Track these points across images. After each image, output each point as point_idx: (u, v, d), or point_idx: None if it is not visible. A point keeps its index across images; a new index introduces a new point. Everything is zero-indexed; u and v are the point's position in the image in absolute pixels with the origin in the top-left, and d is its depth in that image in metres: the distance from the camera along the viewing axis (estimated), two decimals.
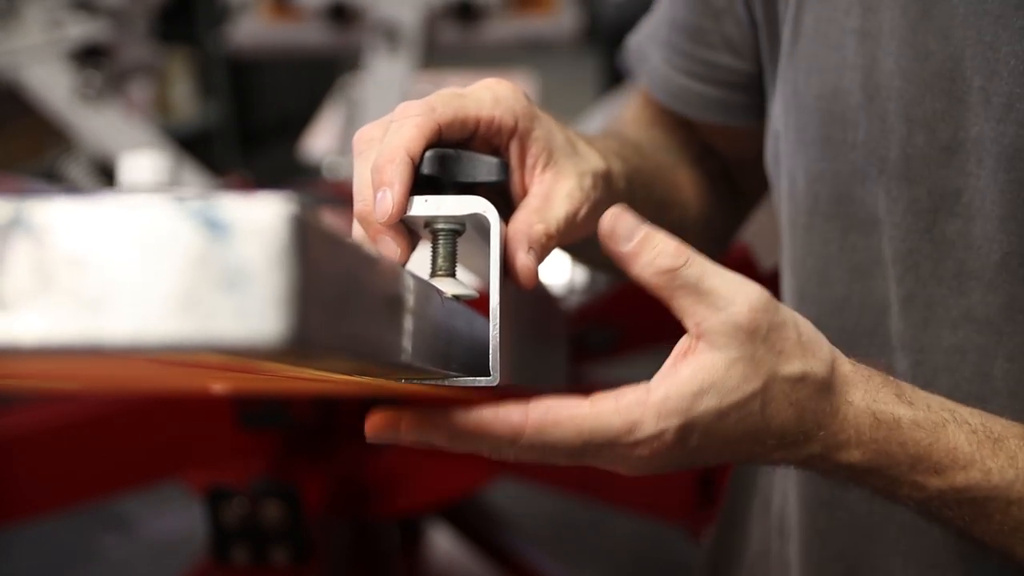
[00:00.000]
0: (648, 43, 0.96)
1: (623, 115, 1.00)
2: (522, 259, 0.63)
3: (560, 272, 1.71)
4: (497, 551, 2.17)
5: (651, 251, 0.58)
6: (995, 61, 0.69)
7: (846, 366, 0.62)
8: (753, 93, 0.90)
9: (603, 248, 0.60)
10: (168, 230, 0.32)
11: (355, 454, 1.86)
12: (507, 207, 0.67)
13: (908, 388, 0.64)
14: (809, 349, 0.60)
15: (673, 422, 0.56)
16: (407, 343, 0.47)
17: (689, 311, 0.57)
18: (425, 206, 0.60)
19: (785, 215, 0.84)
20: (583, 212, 0.68)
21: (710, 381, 0.57)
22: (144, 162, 1.88)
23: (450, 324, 0.56)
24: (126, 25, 2.57)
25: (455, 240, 0.61)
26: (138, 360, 0.37)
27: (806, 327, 0.61)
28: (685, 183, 0.92)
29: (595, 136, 0.79)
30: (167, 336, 0.31)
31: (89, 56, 2.47)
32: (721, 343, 0.57)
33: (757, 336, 0.57)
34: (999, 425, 0.65)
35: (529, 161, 0.67)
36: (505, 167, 0.65)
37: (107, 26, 2.50)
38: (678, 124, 0.97)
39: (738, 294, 0.57)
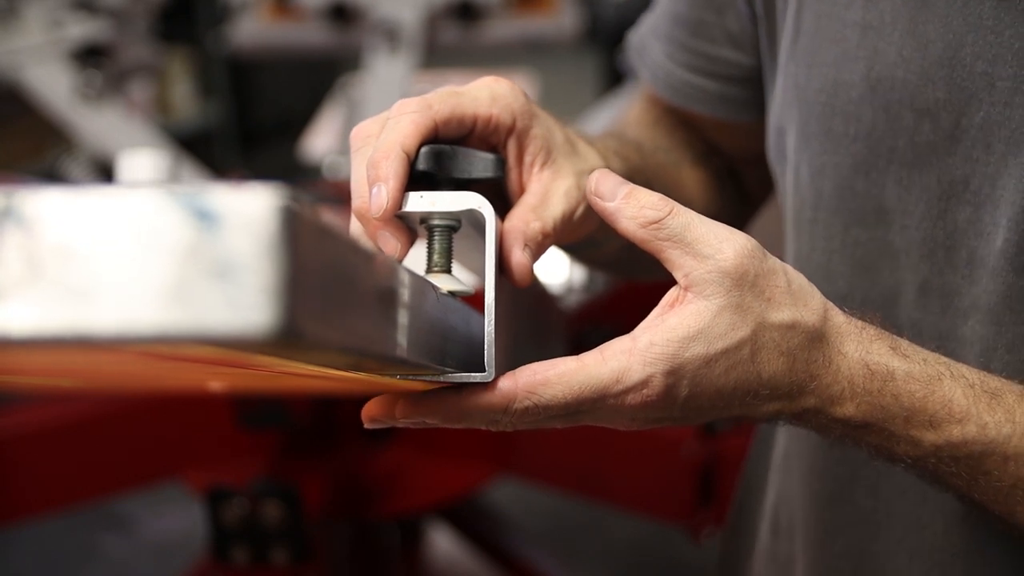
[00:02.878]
0: (649, 38, 0.96)
1: (626, 116, 1.00)
2: (518, 256, 0.63)
3: (558, 271, 1.71)
4: (497, 551, 2.17)
5: (635, 205, 0.59)
6: (998, 45, 0.69)
7: (839, 317, 0.62)
8: (754, 88, 0.90)
9: (591, 205, 0.60)
10: (158, 220, 0.32)
11: (355, 454, 1.86)
12: (504, 205, 0.67)
13: (904, 342, 0.64)
14: (800, 297, 0.60)
15: (659, 367, 0.57)
16: (401, 337, 0.47)
17: (677, 262, 0.58)
18: (421, 202, 0.60)
19: (790, 210, 0.84)
20: (580, 211, 0.68)
21: (697, 328, 0.57)
22: (143, 161, 1.88)
23: (445, 320, 0.56)
24: (126, 25, 2.57)
25: (451, 236, 0.61)
26: (129, 353, 0.37)
27: (796, 276, 0.61)
28: (688, 182, 0.92)
29: (595, 136, 0.79)
30: (156, 327, 0.31)
31: (89, 56, 2.47)
32: (708, 291, 0.57)
33: (744, 283, 0.57)
34: (997, 381, 0.65)
35: (527, 159, 0.67)
36: (502, 163, 0.65)
37: (107, 26, 2.50)
38: (681, 124, 0.96)
39: (724, 242, 0.58)
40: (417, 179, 0.61)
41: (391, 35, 2.56)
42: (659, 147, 0.91)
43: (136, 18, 2.63)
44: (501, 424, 0.58)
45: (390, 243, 0.61)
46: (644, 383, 0.57)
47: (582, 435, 1.79)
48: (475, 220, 0.61)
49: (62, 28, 2.48)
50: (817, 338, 0.60)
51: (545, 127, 0.68)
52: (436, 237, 0.61)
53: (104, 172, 2.45)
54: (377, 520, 1.94)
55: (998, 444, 0.63)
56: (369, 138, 0.64)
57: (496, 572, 2.18)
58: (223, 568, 1.65)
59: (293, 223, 0.32)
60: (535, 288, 0.81)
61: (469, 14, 2.71)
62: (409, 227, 0.62)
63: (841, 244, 0.79)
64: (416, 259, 0.61)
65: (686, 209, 0.59)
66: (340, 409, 1.85)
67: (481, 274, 0.68)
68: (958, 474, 0.64)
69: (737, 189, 0.99)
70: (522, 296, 0.69)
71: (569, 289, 1.66)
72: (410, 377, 0.55)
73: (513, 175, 0.67)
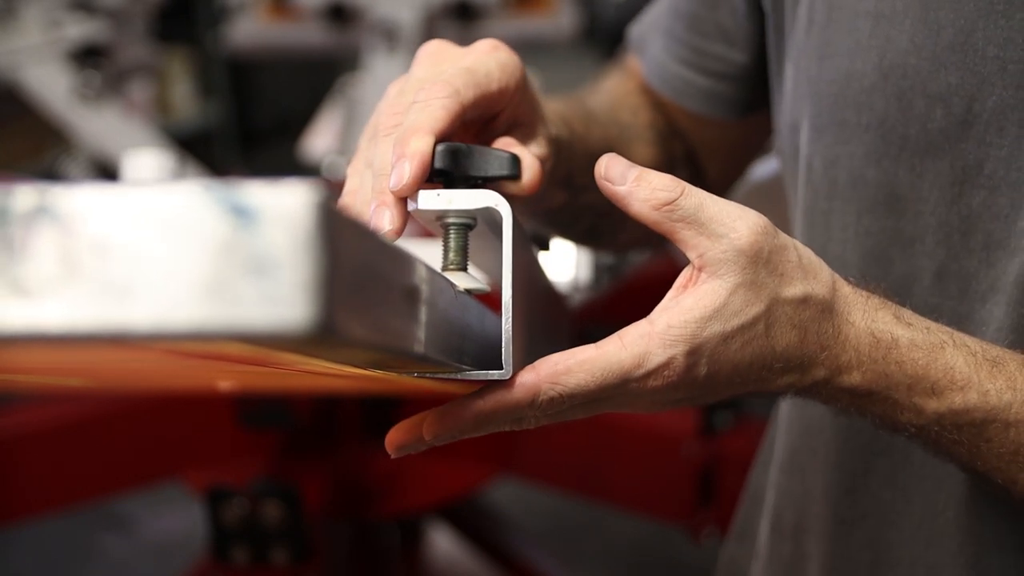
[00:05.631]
0: (649, 31, 0.97)
1: (602, 83, 1.01)
2: (528, 156, 0.65)
3: (564, 270, 1.71)
4: (497, 551, 2.17)
5: (647, 187, 0.59)
6: (1009, 29, 0.69)
7: (846, 288, 0.63)
8: (741, 87, 0.91)
9: (601, 190, 0.61)
10: (194, 216, 0.32)
11: (355, 454, 1.86)
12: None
13: (907, 311, 0.65)
14: (810, 271, 0.61)
15: (680, 348, 0.57)
16: (424, 335, 0.47)
17: (691, 243, 0.58)
18: (437, 200, 0.59)
19: (803, 203, 0.84)
20: (548, 165, 0.70)
21: (713, 307, 0.57)
22: (147, 161, 1.88)
23: (462, 317, 0.56)
24: (125, 25, 2.57)
25: (466, 234, 0.61)
26: (158, 350, 0.37)
27: (805, 251, 0.62)
28: (638, 160, 0.92)
29: (545, 96, 0.79)
30: (193, 323, 0.31)
31: (88, 56, 2.47)
32: (723, 270, 0.58)
33: (759, 260, 0.58)
34: (998, 350, 0.66)
35: (519, 113, 0.69)
36: (517, 162, 0.65)
37: (106, 26, 2.50)
38: (650, 104, 0.97)
39: (738, 220, 0.58)
40: (432, 177, 0.61)
41: (390, 35, 2.56)
42: (615, 121, 0.92)
43: (134, 18, 2.63)
44: (526, 421, 0.58)
45: (393, 218, 0.60)
46: (665, 365, 0.57)
47: (582, 435, 1.79)
48: (490, 218, 0.61)
49: (60, 28, 2.48)
50: (827, 310, 0.61)
51: (531, 90, 0.70)
52: (452, 235, 0.61)
53: (103, 172, 2.45)
54: (377, 520, 1.94)
55: (999, 411, 0.64)
56: (399, 117, 0.64)
57: (496, 572, 2.18)
58: (223, 568, 1.65)
59: (330, 219, 0.32)
60: (546, 286, 0.81)
61: (467, 14, 2.72)
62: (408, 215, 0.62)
63: (855, 233, 0.79)
64: (431, 256, 0.61)
65: (697, 189, 0.59)
66: (340, 409, 1.85)
67: (491, 272, 0.68)
68: (961, 442, 0.65)
69: (693, 176, 1.00)
70: (534, 293, 0.69)
71: (575, 288, 1.66)
72: (427, 375, 0.55)
73: (498, 127, 0.69)
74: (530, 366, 0.57)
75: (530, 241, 0.73)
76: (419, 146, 0.60)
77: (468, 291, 0.59)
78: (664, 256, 1.86)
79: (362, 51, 2.64)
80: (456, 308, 0.54)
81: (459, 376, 0.56)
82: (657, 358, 0.57)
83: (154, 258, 0.32)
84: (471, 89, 0.64)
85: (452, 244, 0.61)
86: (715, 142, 0.97)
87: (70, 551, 2.73)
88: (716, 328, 0.57)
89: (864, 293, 0.64)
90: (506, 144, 0.67)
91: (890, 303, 0.65)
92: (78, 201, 0.32)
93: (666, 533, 2.32)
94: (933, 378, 0.63)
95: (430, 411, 0.58)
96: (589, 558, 2.75)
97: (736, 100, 0.92)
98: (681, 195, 0.58)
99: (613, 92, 0.98)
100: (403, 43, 2.56)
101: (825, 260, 0.77)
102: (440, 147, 0.61)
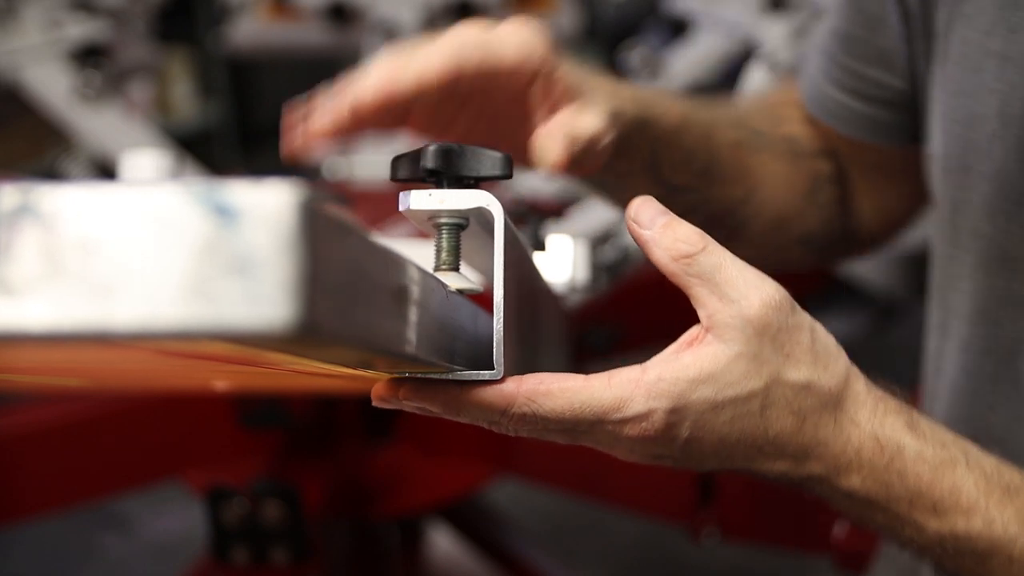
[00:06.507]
0: (812, 50, 0.93)
1: (765, 93, 0.98)
2: (553, 146, 0.64)
3: (562, 271, 1.70)
4: (497, 551, 2.17)
5: (670, 237, 0.57)
6: None
7: (859, 385, 0.60)
8: (901, 112, 0.87)
9: (628, 230, 0.59)
10: (177, 216, 0.32)
11: (355, 454, 1.86)
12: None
13: (924, 422, 0.62)
14: (822, 358, 0.58)
15: (663, 403, 0.55)
16: (411, 334, 0.47)
17: (702, 301, 0.57)
18: (429, 200, 0.59)
19: (935, 242, 0.81)
20: (607, 139, 0.68)
21: (708, 371, 0.56)
22: (145, 161, 1.87)
23: (454, 317, 0.56)
24: (125, 25, 2.57)
25: (459, 234, 0.61)
26: (145, 350, 0.37)
27: (823, 336, 0.59)
28: (761, 170, 0.88)
29: (624, 84, 0.77)
30: (175, 322, 0.31)
31: (89, 56, 2.46)
32: (728, 336, 0.56)
33: (766, 334, 0.56)
34: (1015, 476, 0.62)
35: (555, 97, 0.67)
36: (510, 162, 0.65)
37: (106, 26, 2.50)
38: (802, 118, 0.94)
39: (752, 289, 0.56)
40: (424, 177, 0.61)
41: (390, 35, 2.56)
42: (743, 125, 0.88)
43: (135, 18, 2.62)
44: (500, 426, 0.57)
45: (324, 119, 0.59)
46: (644, 416, 0.56)
47: None
48: (483, 218, 0.61)
49: (61, 28, 2.48)
50: (832, 403, 0.59)
51: (570, 67, 0.67)
52: (444, 235, 0.61)
53: (103, 172, 2.45)
54: (377, 520, 1.94)
55: (1004, 544, 0.60)
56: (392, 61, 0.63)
57: (496, 572, 2.18)
58: (223, 568, 1.65)
59: (312, 219, 0.32)
60: (541, 287, 0.81)
61: (468, 14, 2.71)
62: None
63: (969, 287, 0.76)
64: (424, 257, 0.61)
65: (722, 249, 0.57)
66: (340, 409, 1.85)
67: (486, 272, 0.68)
68: (963, 568, 0.62)
69: (837, 200, 0.95)
70: (528, 294, 0.69)
71: (573, 289, 1.66)
72: (419, 375, 0.56)
73: (539, 115, 0.67)
74: (518, 376, 0.56)
75: (525, 241, 0.73)
76: (397, 77, 0.59)
77: (460, 291, 0.59)
78: None
79: (362, 51, 2.64)
80: (447, 308, 0.54)
81: (450, 376, 0.56)
82: (637, 406, 0.55)
83: (137, 257, 0.32)
84: (475, 58, 0.62)
85: (444, 244, 0.61)
86: (872, 170, 0.92)
87: (70, 551, 2.73)
88: (707, 393, 0.56)
89: (879, 394, 0.61)
90: (559, 118, 0.65)
91: (907, 409, 0.62)
92: (61, 200, 0.32)
93: (666, 533, 2.32)
94: (936, 496, 0.60)
95: (412, 377, 0.57)
96: (589, 558, 2.75)
97: (893, 127, 0.88)
98: (702, 251, 0.56)
99: (763, 101, 0.95)
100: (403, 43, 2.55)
101: (943, 308, 0.73)
102: (432, 147, 0.61)
